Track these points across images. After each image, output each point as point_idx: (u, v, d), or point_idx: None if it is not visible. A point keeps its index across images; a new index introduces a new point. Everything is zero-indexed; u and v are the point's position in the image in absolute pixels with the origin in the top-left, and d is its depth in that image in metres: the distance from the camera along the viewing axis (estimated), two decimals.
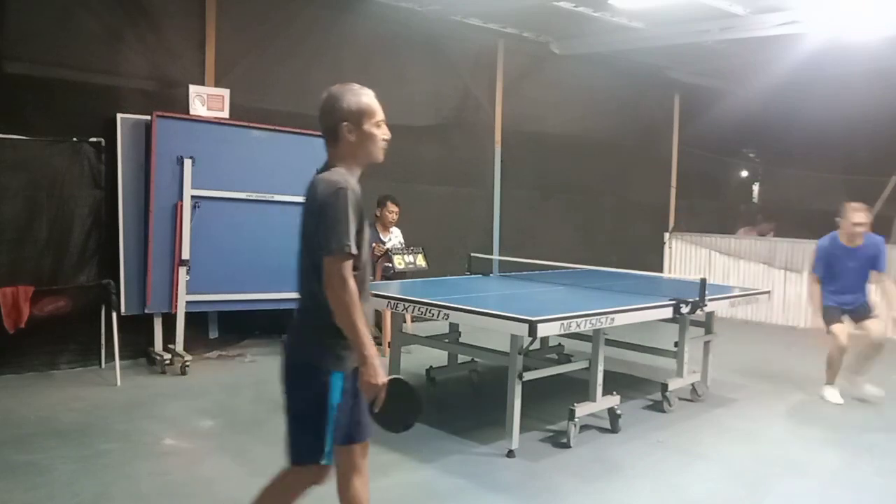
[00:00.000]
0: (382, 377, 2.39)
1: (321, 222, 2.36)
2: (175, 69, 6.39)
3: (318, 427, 2.47)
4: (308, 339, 2.51)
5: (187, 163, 5.88)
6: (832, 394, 5.62)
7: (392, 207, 7.06)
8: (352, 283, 2.35)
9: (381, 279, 6.81)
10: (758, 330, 9.01)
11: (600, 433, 4.67)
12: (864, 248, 5.71)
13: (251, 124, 6.32)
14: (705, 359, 5.71)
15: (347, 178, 2.48)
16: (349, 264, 2.36)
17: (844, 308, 5.69)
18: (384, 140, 2.57)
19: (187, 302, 5.97)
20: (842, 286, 5.72)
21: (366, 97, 2.52)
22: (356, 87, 2.54)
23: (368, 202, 7.25)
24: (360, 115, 2.49)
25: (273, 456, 4.10)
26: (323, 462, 2.49)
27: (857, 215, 5.70)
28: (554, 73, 9.33)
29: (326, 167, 2.54)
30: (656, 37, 8.09)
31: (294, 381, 2.53)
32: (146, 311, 5.94)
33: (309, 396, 2.48)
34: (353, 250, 2.36)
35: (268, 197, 6.34)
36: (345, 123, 2.48)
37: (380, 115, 2.54)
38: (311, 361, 2.48)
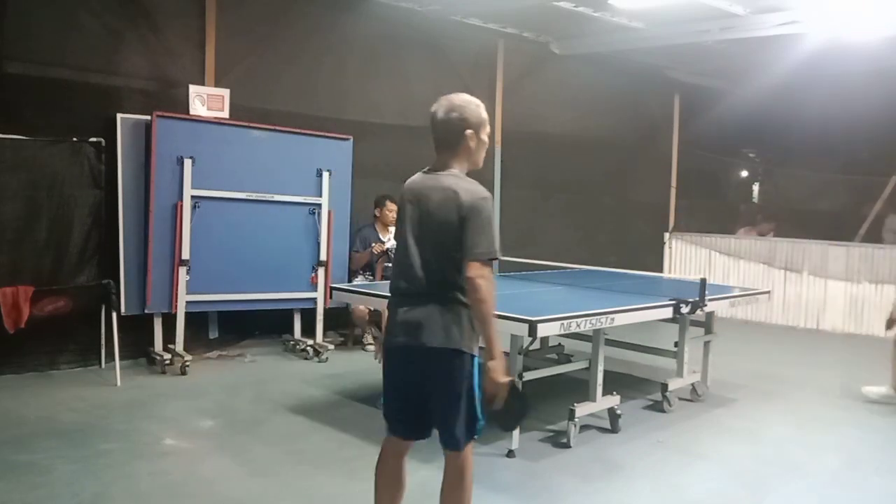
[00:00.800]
0: (507, 376, 2.59)
1: (470, 226, 2.60)
2: (175, 69, 6.38)
3: (473, 405, 2.65)
4: (455, 326, 2.64)
5: (187, 163, 5.88)
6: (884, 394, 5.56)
7: (391, 207, 7.05)
8: (494, 284, 2.60)
9: (381, 279, 6.82)
10: (758, 330, 9.01)
11: (600, 433, 4.67)
12: None
13: (251, 124, 6.32)
14: (705, 359, 5.71)
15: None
16: (492, 267, 2.62)
17: None
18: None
19: (187, 302, 5.97)
20: None
21: (484, 111, 2.81)
22: (474, 99, 2.79)
23: (367, 202, 7.33)
24: (481, 126, 2.78)
25: (273, 456, 4.12)
26: (477, 437, 2.71)
27: None
28: (554, 73, 9.33)
29: (442, 169, 2.77)
30: (656, 37, 8.08)
31: (441, 364, 2.64)
32: (146, 311, 5.94)
33: (462, 378, 2.63)
34: (499, 255, 2.65)
35: (268, 197, 6.34)
36: (468, 131, 2.72)
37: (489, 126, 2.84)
38: (460, 347, 2.63)
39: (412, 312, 2.68)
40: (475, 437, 2.71)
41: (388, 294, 2.83)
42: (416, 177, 2.82)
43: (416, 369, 2.70)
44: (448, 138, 2.73)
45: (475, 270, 2.55)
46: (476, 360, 2.66)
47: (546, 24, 8.31)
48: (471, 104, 2.73)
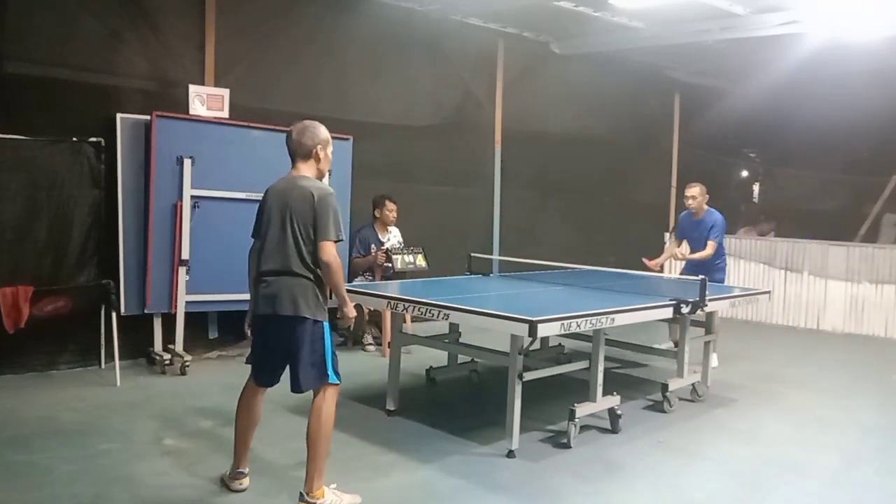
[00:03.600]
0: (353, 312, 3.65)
1: (321, 217, 3.38)
2: (175, 69, 6.38)
3: (325, 359, 3.45)
4: (302, 298, 3.41)
5: (187, 163, 5.88)
6: None
7: (391, 206, 7.05)
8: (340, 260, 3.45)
9: (381, 279, 6.81)
10: (758, 330, 9.01)
11: (600, 433, 4.67)
12: None
13: (251, 124, 6.31)
14: (705, 359, 5.71)
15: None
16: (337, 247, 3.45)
17: None
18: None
19: (187, 302, 5.97)
20: None
21: (327, 132, 3.62)
22: (321, 124, 3.60)
23: (367, 202, 7.31)
24: (326, 143, 3.59)
25: (273, 456, 4.12)
26: (332, 381, 3.47)
27: None
28: (554, 72, 9.33)
29: (298, 176, 3.54)
30: (656, 36, 8.08)
31: (296, 328, 3.40)
32: (146, 312, 5.94)
33: (308, 339, 3.41)
34: (342, 237, 3.46)
35: None
36: (318, 147, 3.54)
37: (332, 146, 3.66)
38: (306, 315, 3.40)
39: (270, 288, 3.44)
40: (329, 382, 3.45)
41: (253, 273, 3.61)
42: (278, 182, 3.57)
43: (273, 333, 3.47)
44: (301, 151, 3.53)
45: (327, 250, 3.36)
46: (325, 325, 3.44)
47: (546, 23, 8.31)
48: (318, 127, 3.57)
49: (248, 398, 3.66)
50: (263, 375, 3.63)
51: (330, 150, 3.61)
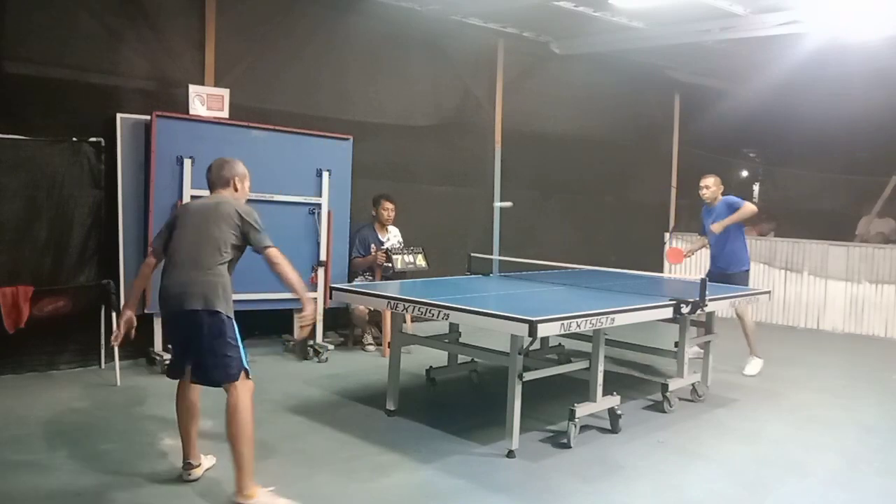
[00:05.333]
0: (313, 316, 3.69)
1: (251, 230, 3.67)
2: (175, 69, 6.38)
3: (238, 351, 3.57)
4: (212, 293, 3.55)
5: (187, 163, 5.88)
6: None
7: (387, 205, 7.05)
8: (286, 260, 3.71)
9: (381, 279, 6.81)
10: (758, 330, 8.99)
11: (600, 433, 4.67)
12: None
13: (251, 124, 6.31)
14: (706, 359, 5.71)
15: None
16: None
17: None
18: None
19: None
20: None
21: (244, 168, 3.94)
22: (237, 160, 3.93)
23: (367, 202, 7.31)
24: (243, 177, 3.91)
25: (273, 456, 4.12)
26: (246, 368, 3.57)
27: None
28: (554, 72, 9.33)
29: (218, 196, 3.82)
30: (656, 36, 8.08)
31: (207, 322, 3.52)
32: (146, 312, 5.91)
33: (217, 333, 3.54)
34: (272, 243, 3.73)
35: (268, 197, 6.32)
36: (236, 178, 3.86)
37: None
38: (217, 309, 3.54)
39: (185, 285, 3.56)
40: (241, 374, 3.53)
41: (164, 271, 3.72)
42: (196, 201, 3.94)
43: (185, 328, 3.57)
44: (220, 182, 3.83)
45: (273, 256, 3.65)
46: (232, 320, 3.58)
47: (546, 23, 8.31)
48: (237, 163, 3.90)
49: (181, 392, 3.77)
50: (178, 369, 3.72)
51: (247, 184, 3.91)
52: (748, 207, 6.47)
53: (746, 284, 6.56)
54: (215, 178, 3.85)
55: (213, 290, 3.53)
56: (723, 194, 6.69)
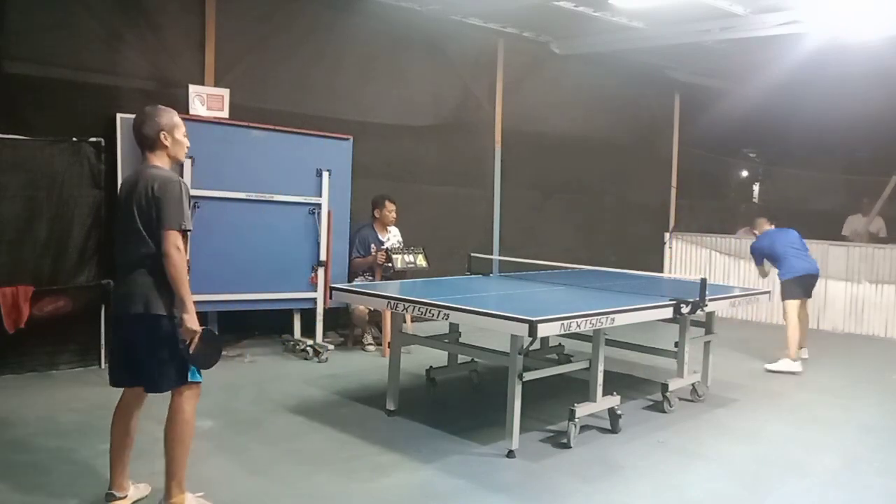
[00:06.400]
0: (197, 326, 3.21)
1: (162, 204, 3.12)
2: (175, 69, 6.38)
3: (180, 356, 3.22)
4: (153, 294, 3.19)
5: (187, 163, 5.88)
6: None
7: (390, 206, 7.05)
8: (182, 252, 3.16)
9: (381, 279, 6.81)
10: (758, 330, 9.00)
11: (600, 433, 4.67)
12: None
13: (251, 124, 6.31)
14: (705, 359, 5.71)
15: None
16: (185, 238, 3.20)
17: None
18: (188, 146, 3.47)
19: None
20: None
21: (176, 116, 3.39)
22: (168, 108, 3.41)
23: (367, 202, 7.32)
24: (174, 127, 3.35)
25: (273, 456, 4.12)
26: (193, 379, 3.29)
27: None
28: (554, 73, 9.33)
29: (146, 166, 3.29)
30: (656, 37, 8.09)
31: (150, 326, 3.20)
32: None
33: (162, 337, 3.20)
34: (189, 227, 3.20)
35: (268, 197, 6.34)
36: (162, 133, 3.30)
37: (184, 127, 3.42)
38: (158, 312, 3.18)
39: (122, 286, 3.27)
40: (190, 380, 3.29)
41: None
42: (128, 175, 3.37)
43: (126, 332, 3.27)
44: (146, 142, 3.31)
45: (168, 240, 3.11)
46: (177, 321, 3.20)
47: (546, 24, 8.31)
48: (160, 113, 3.34)
49: (120, 410, 3.51)
50: (120, 376, 3.43)
51: (179, 132, 3.36)
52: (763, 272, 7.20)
53: (785, 292, 6.86)
54: (140, 140, 3.33)
55: (156, 288, 3.17)
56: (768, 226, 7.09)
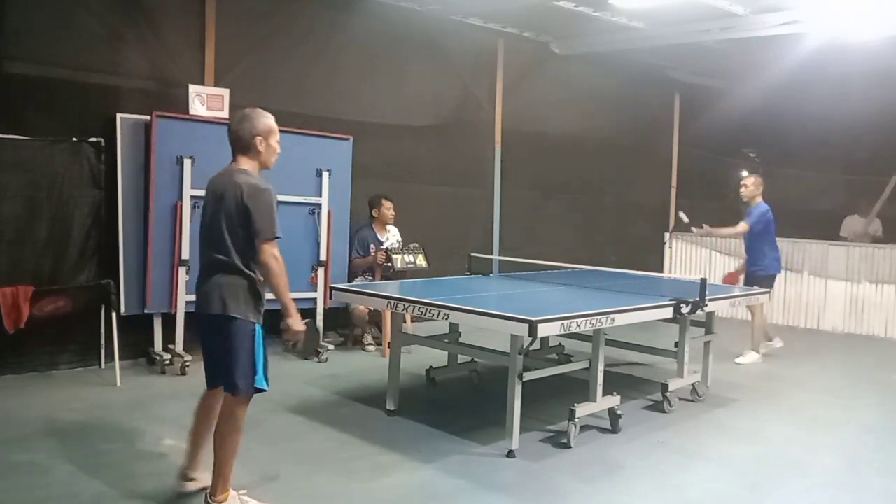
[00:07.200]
0: (301, 324, 3.38)
1: (254, 215, 3.20)
2: (175, 69, 6.38)
3: (253, 363, 3.29)
4: (231, 297, 3.26)
5: (187, 163, 5.88)
6: None
7: (388, 205, 7.05)
8: (280, 260, 3.28)
9: (381, 279, 6.81)
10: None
11: (600, 433, 4.67)
12: None
13: None
14: (705, 359, 5.71)
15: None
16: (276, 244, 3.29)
17: None
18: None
19: (187, 302, 5.96)
20: None
21: (272, 121, 3.38)
22: (266, 112, 3.39)
23: (363, 202, 7.32)
24: (270, 133, 3.36)
25: (273, 456, 4.12)
26: (259, 386, 3.32)
27: None
28: (554, 73, 9.33)
29: (235, 168, 3.33)
30: (656, 36, 8.08)
31: (225, 327, 3.27)
32: (146, 312, 5.94)
33: (235, 339, 3.26)
34: (279, 234, 3.29)
35: None
36: (258, 138, 3.31)
37: (279, 134, 3.43)
38: (233, 314, 3.26)
39: (203, 286, 3.33)
40: (254, 389, 3.31)
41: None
42: (216, 175, 3.40)
43: (205, 331, 3.38)
44: (240, 144, 3.33)
45: (266, 251, 3.22)
46: (258, 327, 3.30)
47: (546, 24, 8.31)
48: (259, 116, 3.34)
49: (206, 398, 3.59)
50: (206, 374, 3.52)
51: (274, 139, 3.38)
52: (735, 229, 7.02)
53: (759, 285, 6.61)
54: (234, 140, 3.35)
55: (233, 292, 3.25)
56: (757, 197, 6.98)
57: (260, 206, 3.21)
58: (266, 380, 3.36)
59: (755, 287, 6.48)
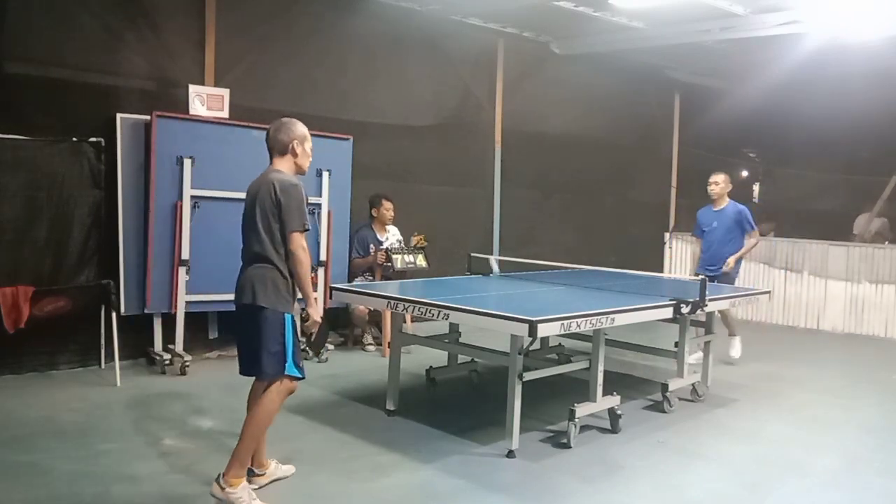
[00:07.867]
0: (320, 317, 3.61)
1: (284, 209, 3.41)
2: (175, 69, 6.38)
3: (283, 351, 3.46)
4: (261, 287, 3.46)
5: (187, 163, 5.88)
6: None
7: (388, 205, 7.05)
8: (307, 251, 3.49)
9: (381, 279, 6.81)
10: (758, 330, 9.00)
11: (600, 433, 4.67)
12: None
13: (251, 124, 6.30)
14: (705, 359, 5.71)
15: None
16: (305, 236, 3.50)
17: None
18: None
19: (187, 302, 5.97)
20: None
21: (305, 129, 3.65)
22: (299, 122, 3.67)
23: (363, 202, 7.32)
24: (304, 139, 3.62)
25: (273, 456, 4.12)
26: (290, 373, 3.48)
27: None
28: (554, 72, 9.33)
29: (271, 169, 3.58)
30: (656, 36, 8.08)
31: (255, 316, 3.45)
32: (146, 312, 5.94)
33: (265, 328, 3.44)
34: (308, 226, 3.52)
35: None
36: (294, 142, 3.58)
37: (311, 142, 3.71)
38: (263, 304, 3.44)
39: (240, 278, 3.54)
40: (286, 374, 3.46)
41: None
42: (255, 178, 3.61)
43: (238, 320, 3.58)
44: (278, 147, 3.59)
45: (294, 241, 3.42)
46: (287, 316, 3.45)
47: (546, 24, 8.31)
48: (295, 123, 3.62)
49: (254, 393, 3.68)
50: (240, 364, 3.66)
51: (308, 145, 3.65)
52: (756, 241, 6.78)
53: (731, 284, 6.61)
54: (272, 144, 3.61)
55: (263, 282, 3.44)
56: (729, 194, 6.81)
57: (290, 200, 3.41)
58: (297, 367, 3.49)
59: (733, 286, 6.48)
